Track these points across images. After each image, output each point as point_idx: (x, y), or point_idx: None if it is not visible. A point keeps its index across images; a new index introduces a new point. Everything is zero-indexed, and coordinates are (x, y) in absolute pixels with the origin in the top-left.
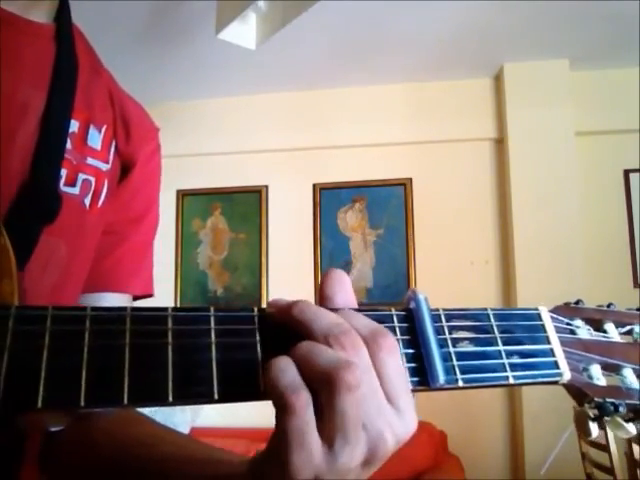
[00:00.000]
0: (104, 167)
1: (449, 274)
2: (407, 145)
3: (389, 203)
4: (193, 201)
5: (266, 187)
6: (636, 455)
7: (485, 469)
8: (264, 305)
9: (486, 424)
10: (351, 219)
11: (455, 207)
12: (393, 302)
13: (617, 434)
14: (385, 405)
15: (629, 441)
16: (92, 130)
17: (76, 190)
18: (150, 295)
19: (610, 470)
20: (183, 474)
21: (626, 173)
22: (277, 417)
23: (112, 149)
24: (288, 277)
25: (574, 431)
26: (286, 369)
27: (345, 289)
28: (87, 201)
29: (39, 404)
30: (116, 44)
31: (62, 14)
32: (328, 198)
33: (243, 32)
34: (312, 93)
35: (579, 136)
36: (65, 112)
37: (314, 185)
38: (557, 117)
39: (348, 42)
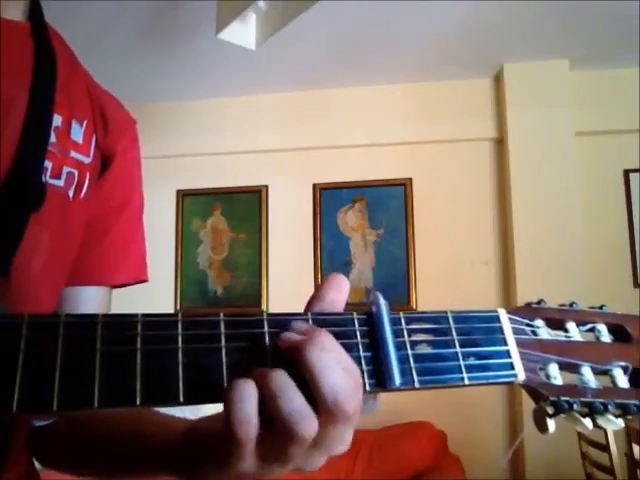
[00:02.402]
0: (86, 160)
1: (449, 274)
2: (407, 145)
3: (389, 203)
4: (193, 201)
5: (266, 187)
6: (636, 455)
7: (485, 469)
8: (264, 305)
9: (486, 424)
10: (351, 219)
11: (455, 207)
12: (393, 302)
13: (577, 428)
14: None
15: (629, 441)
16: (74, 124)
17: (61, 182)
18: (143, 281)
19: (610, 470)
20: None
21: (626, 173)
22: (224, 430)
23: (92, 143)
24: (288, 277)
25: (571, 431)
26: (245, 399)
27: (339, 291)
28: (70, 192)
29: (54, 407)
30: (116, 44)
31: (35, 12)
32: (328, 198)
33: (243, 32)
34: (312, 93)
35: (579, 136)
36: (47, 107)
37: (314, 185)
38: (557, 117)
39: (348, 42)
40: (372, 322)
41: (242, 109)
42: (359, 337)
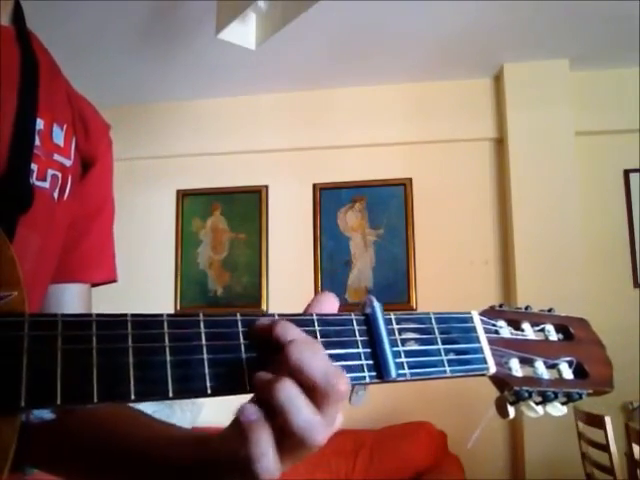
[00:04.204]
0: (67, 163)
1: (449, 274)
2: (407, 145)
3: (389, 203)
4: (193, 201)
5: (266, 187)
6: (636, 455)
7: (485, 469)
8: (264, 305)
9: (486, 424)
10: (351, 219)
11: (455, 207)
12: (393, 302)
13: (529, 415)
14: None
15: (629, 441)
16: (56, 128)
17: (46, 184)
18: (114, 281)
19: (610, 470)
20: (162, 454)
21: (626, 173)
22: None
23: (73, 146)
24: (288, 277)
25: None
26: (261, 440)
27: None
28: (55, 194)
29: (58, 400)
30: (116, 44)
31: (18, 17)
32: (328, 198)
33: (243, 32)
34: (312, 93)
35: (579, 136)
36: (32, 111)
37: (314, 185)
38: (557, 117)
39: (348, 42)
40: (369, 322)
41: (242, 109)
42: (358, 335)
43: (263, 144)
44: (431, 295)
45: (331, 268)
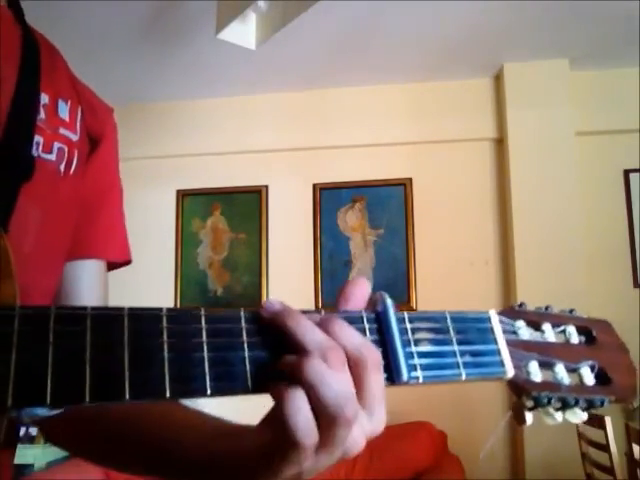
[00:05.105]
0: (74, 138)
1: (449, 274)
2: (407, 145)
3: (389, 203)
4: (193, 201)
5: (266, 187)
6: (636, 455)
7: (485, 469)
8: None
9: (486, 424)
10: (351, 219)
11: (455, 207)
12: (393, 302)
13: (547, 421)
14: (361, 414)
15: (629, 441)
16: (61, 103)
17: (53, 157)
18: (128, 262)
19: (610, 470)
20: (196, 438)
21: (626, 173)
22: (284, 441)
23: (78, 121)
24: (288, 277)
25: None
26: (301, 408)
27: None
28: (62, 168)
29: (48, 400)
30: (116, 44)
31: (15, 3)
32: (328, 198)
33: (243, 32)
34: (312, 93)
35: (579, 136)
36: (34, 85)
37: (314, 185)
38: (557, 117)
39: (348, 42)
40: (380, 320)
41: (242, 109)
42: (368, 334)
43: (263, 144)
44: (431, 295)
45: (331, 268)
